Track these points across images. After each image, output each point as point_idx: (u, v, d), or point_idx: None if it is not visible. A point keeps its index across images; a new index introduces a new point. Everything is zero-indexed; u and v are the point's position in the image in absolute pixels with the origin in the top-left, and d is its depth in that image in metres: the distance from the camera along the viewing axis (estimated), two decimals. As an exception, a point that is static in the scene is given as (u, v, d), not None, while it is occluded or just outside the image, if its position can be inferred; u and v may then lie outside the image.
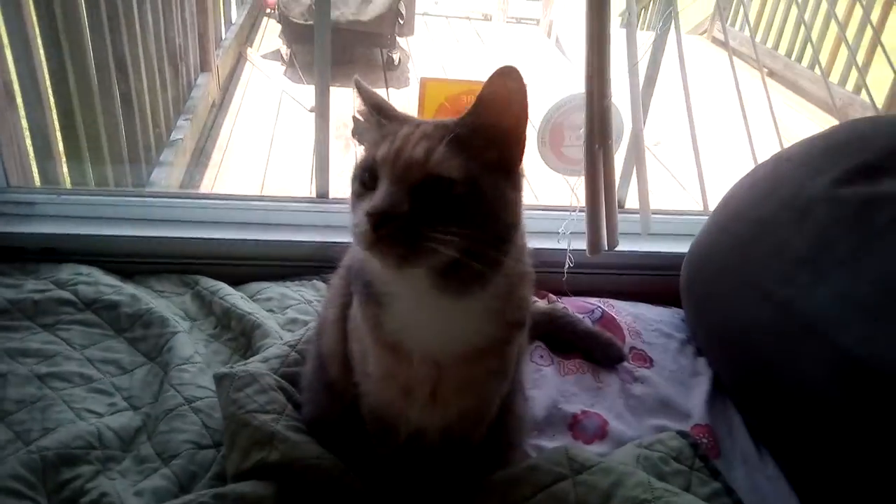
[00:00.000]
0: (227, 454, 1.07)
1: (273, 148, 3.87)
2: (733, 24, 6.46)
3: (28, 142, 2.02)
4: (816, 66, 5.27)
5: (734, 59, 1.88)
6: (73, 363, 1.26)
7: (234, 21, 4.97)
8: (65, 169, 2.27)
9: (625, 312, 1.55)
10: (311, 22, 4.46)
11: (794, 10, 5.53)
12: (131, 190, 2.31)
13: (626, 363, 1.41)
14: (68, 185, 2.24)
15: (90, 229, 1.56)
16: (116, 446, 1.13)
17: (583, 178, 1.41)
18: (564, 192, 1.58)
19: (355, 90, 0.86)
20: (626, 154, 1.71)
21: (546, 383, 1.33)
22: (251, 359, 1.24)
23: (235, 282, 1.54)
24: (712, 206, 1.56)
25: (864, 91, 4.82)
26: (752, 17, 6.32)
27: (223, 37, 4.59)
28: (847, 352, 1.07)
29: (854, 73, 5.01)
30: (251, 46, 5.17)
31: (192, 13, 3.76)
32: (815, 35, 5.32)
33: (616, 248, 1.43)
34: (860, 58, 4.67)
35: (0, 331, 1.29)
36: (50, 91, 2.18)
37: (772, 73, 5.83)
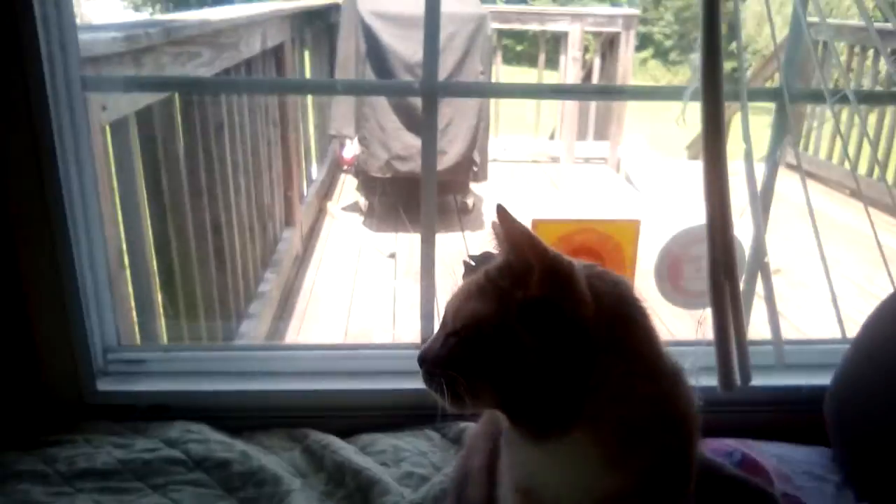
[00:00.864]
0: None
1: (354, 295, 3.93)
2: (806, 149, 6.43)
3: (132, 301, 2.08)
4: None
5: (815, 183, 1.82)
6: (186, 527, 1.19)
7: (314, 178, 5.23)
8: (163, 326, 2.31)
9: (767, 454, 1.40)
10: (388, 175, 4.69)
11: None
12: (234, 344, 2.33)
13: (781, 513, 1.25)
14: (166, 341, 2.27)
15: (197, 385, 1.54)
16: None
17: (707, 310, 1.34)
18: (689, 323, 1.50)
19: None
20: (745, 283, 1.63)
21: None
22: (376, 520, 1.15)
23: (345, 434, 1.47)
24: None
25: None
26: (825, 142, 6.30)
27: (305, 193, 4.81)
28: None
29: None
30: (331, 200, 5.40)
31: (278, 174, 3.98)
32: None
33: (750, 383, 1.33)
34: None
35: (112, 493, 1.25)
36: (153, 254, 2.27)
37: (852, 194, 5.71)
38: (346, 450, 1.38)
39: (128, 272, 2.05)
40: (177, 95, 2.39)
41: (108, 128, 1.83)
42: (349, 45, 4.69)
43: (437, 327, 0.86)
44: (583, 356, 0.74)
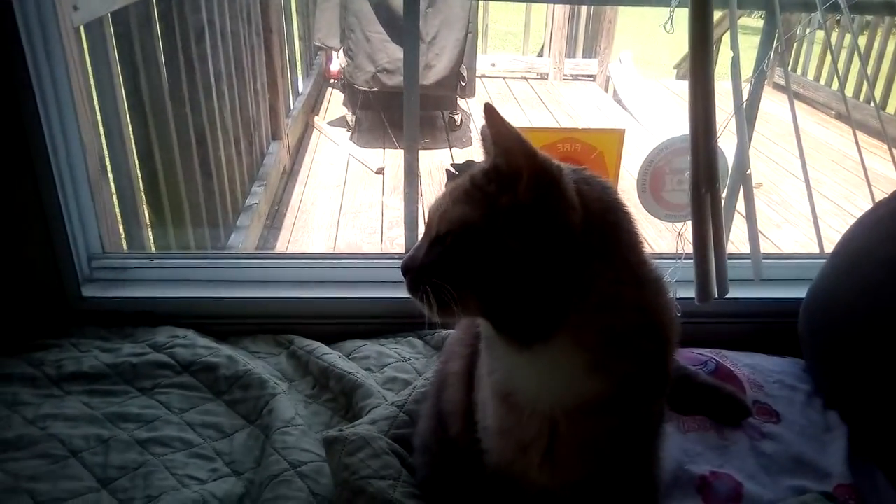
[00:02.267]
0: (341, 523, 1.00)
1: (342, 209, 3.92)
2: (794, 70, 6.36)
3: (117, 210, 2.07)
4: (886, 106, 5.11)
5: (802, 103, 1.80)
6: (173, 427, 1.22)
7: (300, 92, 5.13)
8: (150, 235, 2.31)
9: (741, 363, 1.44)
10: (375, 89, 4.60)
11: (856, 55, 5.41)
12: (222, 252, 2.33)
13: (751, 418, 1.30)
14: (153, 250, 2.28)
15: (183, 291, 1.55)
16: (222, 515, 1.07)
17: (688, 224, 1.35)
18: (668, 238, 1.51)
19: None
20: (726, 198, 1.63)
21: (667, 443, 1.23)
22: (358, 421, 1.18)
23: (330, 341, 1.50)
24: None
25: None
26: (814, 62, 6.22)
27: (291, 107, 4.73)
28: None
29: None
30: (318, 115, 5.31)
31: (263, 87, 3.90)
32: (882, 76, 5.19)
33: (727, 296, 1.36)
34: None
35: (100, 395, 1.27)
36: (137, 161, 2.24)
37: (838, 115, 5.69)
38: (330, 355, 1.41)
39: (111, 180, 2.03)
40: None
41: (82, 29, 1.77)
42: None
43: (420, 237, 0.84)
44: (570, 263, 0.73)
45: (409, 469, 1.07)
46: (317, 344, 1.46)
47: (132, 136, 2.21)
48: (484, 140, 0.83)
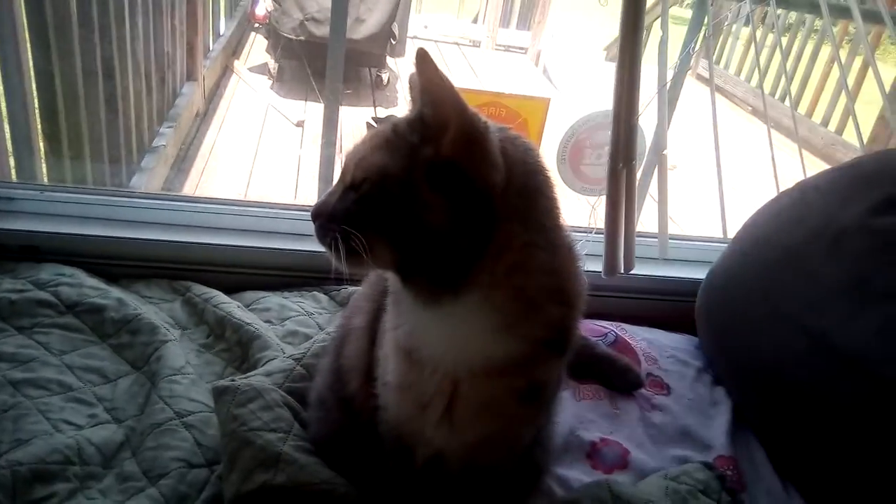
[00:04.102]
0: (225, 475, 0.96)
1: (257, 160, 3.79)
2: (717, 63, 6.57)
3: (7, 136, 1.92)
4: (799, 107, 5.36)
5: (721, 96, 1.86)
6: (51, 370, 1.14)
7: (221, 33, 4.90)
8: (43, 166, 2.16)
9: (639, 337, 1.49)
10: (301, 38, 4.44)
11: (777, 54, 5.63)
12: (120, 189, 2.20)
13: (643, 390, 1.34)
14: (46, 182, 2.13)
15: (74, 228, 1.45)
16: (97, 462, 1.02)
17: (601, 199, 1.36)
18: (581, 211, 1.53)
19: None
20: (641, 177, 1.66)
21: (561, 408, 1.25)
22: (253, 372, 1.14)
23: (230, 290, 1.44)
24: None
25: (845, 132, 4.93)
26: (736, 57, 6.44)
27: (211, 48, 4.52)
28: (893, 384, 1.02)
29: (836, 115, 5.11)
30: (238, 59, 5.10)
31: (181, 22, 3.71)
32: (798, 77, 5.43)
33: (631, 272, 1.39)
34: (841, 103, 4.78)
35: (-29, 332, 1.18)
36: (34, 87, 2.08)
37: (754, 112, 5.93)
38: (229, 305, 1.36)
39: (2, 104, 1.88)
40: None
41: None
42: None
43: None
44: (486, 222, 0.72)
45: (301, 424, 1.04)
46: (215, 292, 1.40)
47: (30, 59, 2.05)
48: (412, 88, 0.80)
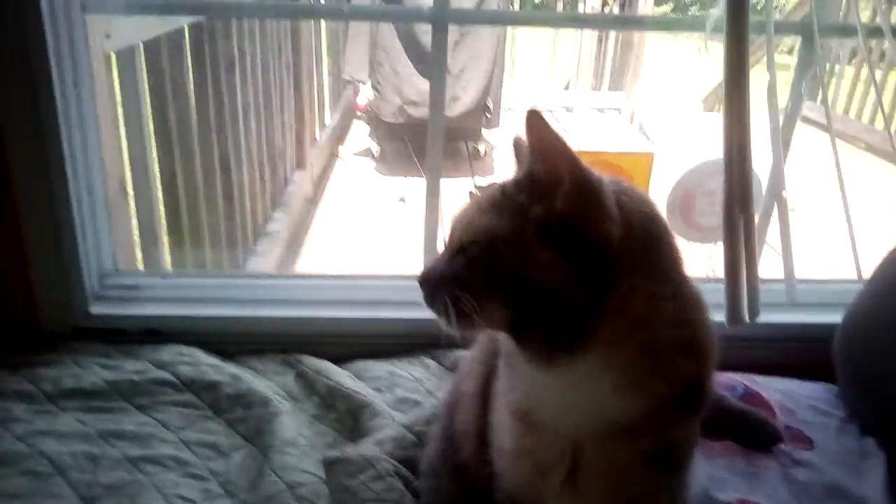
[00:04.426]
0: (337, 549, 0.93)
1: (363, 238, 3.90)
2: (814, 100, 6.27)
3: (135, 230, 2.06)
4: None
5: (829, 135, 1.74)
6: (168, 446, 1.16)
7: (327, 124, 5.16)
8: (167, 256, 2.29)
9: (771, 388, 1.36)
10: (401, 121, 4.61)
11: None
12: (232, 272, 2.30)
13: (782, 445, 1.21)
14: (170, 269, 2.26)
15: (192, 310, 1.50)
16: (212, 539, 1.01)
17: (719, 246, 1.29)
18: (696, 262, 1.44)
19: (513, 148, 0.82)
20: (759, 222, 1.56)
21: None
22: (363, 441, 1.12)
23: (340, 361, 1.44)
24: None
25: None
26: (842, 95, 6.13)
27: (318, 137, 4.75)
28: None
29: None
30: (343, 145, 5.34)
31: (290, 118, 3.93)
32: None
33: (758, 319, 1.29)
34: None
35: (95, 412, 1.22)
36: (160, 187, 2.25)
37: (869, 147, 5.59)
38: (339, 375, 1.35)
39: (132, 202, 2.02)
40: (186, 29, 2.32)
41: (113, 56, 1.78)
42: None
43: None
44: (604, 277, 0.68)
45: (414, 493, 1.00)
46: (325, 363, 1.40)
47: (156, 161, 2.21)
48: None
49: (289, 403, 1.30)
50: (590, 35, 6.35)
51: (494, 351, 0.86)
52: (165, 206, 2.31)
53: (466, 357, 1.03)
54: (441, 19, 1.49)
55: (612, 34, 6.42)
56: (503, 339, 0.78)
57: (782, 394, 1.35)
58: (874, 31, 1.36)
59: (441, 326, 0.75)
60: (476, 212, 0.75)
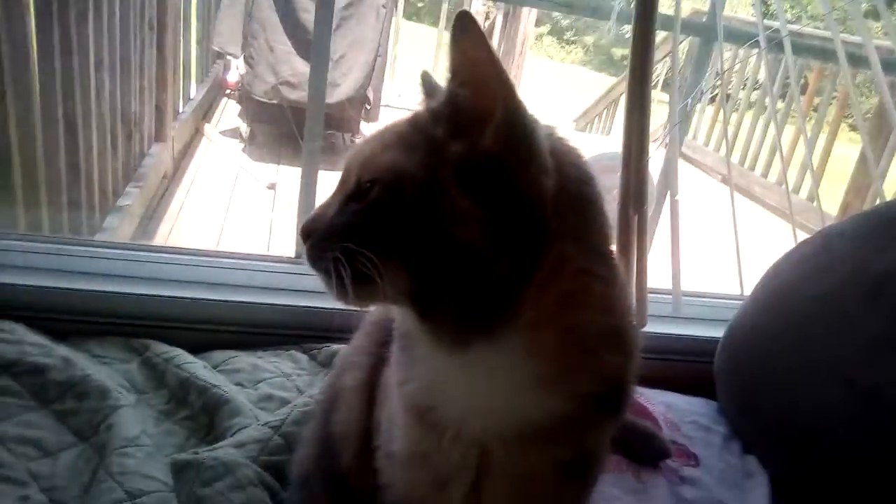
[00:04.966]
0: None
1: (227, 222, 3.65)
2: (687, 134, 6.66)
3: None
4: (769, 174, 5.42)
5: (692, 166, 1.80)
6: (-23, 442, 0.95)
7: (192, 97, 4.82)
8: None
9: (655, 401, 1.34)
10: (274, 101, 4.37)
11: (746, 121, 5.73)
12: (73, 238, 2.02)
13: (668, 461, 1.18)
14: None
15: (17, 279, 1.27)
16: (25, 559, 0.82)
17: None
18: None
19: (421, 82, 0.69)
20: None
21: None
22: (221, 443, 0.97)
23: (196, 350, 1.27)
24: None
25: (816, 201, 4.96)
26: (705, 129, 6.56)
27: (181, 110, 4.42)
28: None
29: (806, 182, 5.16)
30: (209, 123, 5.00)
31: (150, 83, 3.62)
32: (766, 147, 5.51)
33: (643, 329, 1.27)
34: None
35: None
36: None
37: (724, 180, 5.98)
38: (193, 365, 1.18)
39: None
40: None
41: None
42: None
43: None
44: (530, 241, 0.58)
45: (280, 505, 0.86)
46: (178, 351, 1.22)
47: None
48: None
49: (132, 396, 1.11)
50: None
51: (383, 340, 0.74)
52: (-6, 160, 2.00)
53: (347, 349, 0.91)
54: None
55: (495, 41, 6.50)
56: (402, 316, 0.67)
57: (665, 406, 1.34)
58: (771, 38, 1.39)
59: (329, 292, 0.61)
60: (378, 146, 0.63)
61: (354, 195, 0.62)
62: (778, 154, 4.91)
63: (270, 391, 1.18)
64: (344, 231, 0.60)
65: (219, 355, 1.27)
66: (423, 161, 0.59)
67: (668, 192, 1.38)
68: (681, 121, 1.35)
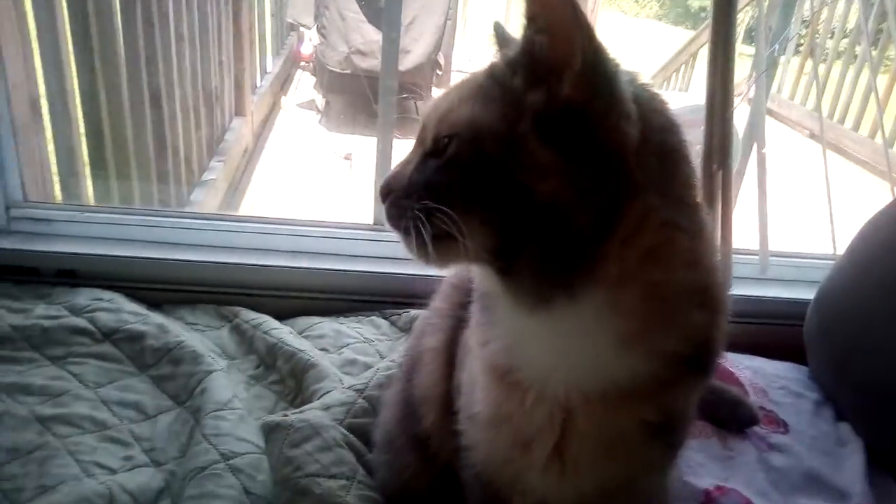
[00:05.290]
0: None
1: (306, 193, 3.72)
2: (770, 86, 6.34)
3: (53, 160, 1.85)
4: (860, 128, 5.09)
5: (777, 121, 1.70)
6: (85, 404, 1.02)
7: (269, 70, 4.90)
8: (90, 189, 2.08)
9: (742, 366, 1.30)
10: (347, 71, 4.40)
11: (833, 72, 5.38)
12: (165, 210, 2.11)
13: (756, 427, 1.14)
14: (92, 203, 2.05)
15: (114, 250, 1.34)
16: (132, 513, 0.87)
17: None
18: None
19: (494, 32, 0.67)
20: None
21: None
22: (308, 406, 0.99)
23: (281, 316, 1.31)
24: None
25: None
26: (790, 81, 6.22)
27: (258, 84, 4.50)
28: None
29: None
30: (286, 96, 5.09)
31: (228, 58, 3.69)
32: (857, 98, 5.17)
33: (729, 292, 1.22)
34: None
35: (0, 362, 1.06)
36: (80, 112, 2.03)
37: (812, 135, 5.68)
38: (280, 331, 1.22)
39: (48, 126, 1.81)
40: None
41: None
42: None
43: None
44: (614, 191, 0.55)
45: (366, 467, 0.88)
46: (265, 318, 1.26)
47: (76, 85, 1.99)
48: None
49: (224, 361, 1.16)
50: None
51: (462, 301, 0.74)
52: (87, 132, 2.09)
53: (426, 312, 0.91)
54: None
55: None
56: (482, 277, 0.65)
57: (752, 372, 1.29)
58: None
59: (408, 252, 0.61)
60: (456, 100, 0.61)
61: (432, 152, 0.61)
62: (874, 103, 4.62)
63: (354, 356, 1.20)
64: (423, 188, 0.59)
65: (303, 321, 1.30)
66: (501, 113, 0.57)
67: (755, 146, 1.32)
68: (767, 68, 1.27)
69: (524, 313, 0.60)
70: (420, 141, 0.63)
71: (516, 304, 0.60)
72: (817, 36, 5.25)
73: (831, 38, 5.37)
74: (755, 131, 1.29)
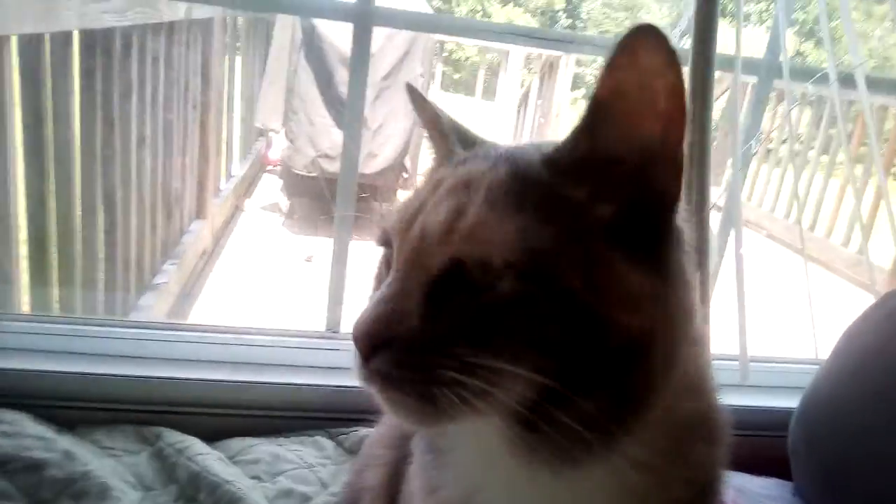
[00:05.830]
0: None
1: (263, 296, 3.59)
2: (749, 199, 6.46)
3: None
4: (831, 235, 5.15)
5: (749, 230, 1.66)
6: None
7: (234, 174, 4.88)
8: (25, 297, 1.94)
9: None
10: (314, 174, 4.39)
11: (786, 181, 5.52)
12: (82, 317, 1.96)
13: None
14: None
15: (20, 363, 1.19)
16: None
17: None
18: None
19: (409, 95, 0.57)
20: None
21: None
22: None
23: (211, 438, 1.16)
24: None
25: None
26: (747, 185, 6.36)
27: (222, 187, 4.46)
28: None
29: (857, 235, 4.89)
30: (249, 198, 5.04)
31: (192, 160, 3.66)
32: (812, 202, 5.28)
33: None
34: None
35: None
36: (25, 214, 1.94)
37: (770, 235, 5.77)
38: (207, 457, 1.07)
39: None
40: (77, 36, 2.05)
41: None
42: (285, 33, 4.42)
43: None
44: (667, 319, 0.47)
45: None
46: (192, 440, 1.12)
47: (23, 183, 1.91)
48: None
49: (136, 493, 1.00)
50: (510, 106, 6.43)
51: (403, 434, 0.63)
52: (31, 240, 1.99)
53: (372, 437, 0.78)
54: (364, 18, 1.33)
55: (531, 107, 6.50)
56: (490, 429, 0.48)
57: (736, 490, 1.17)
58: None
59: (402, 416, 0.47)
60: (483, 206, 0.46)
61: (463, 285, 0.45)
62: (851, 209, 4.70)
63: (290, 485, 1.06)
64: (461, 336, 0.44)
65: (237, 443, 1.16)
66: (567, 231, 0.45)
67: (735, 247, 1.25)
68: (744, 166, 1.22)
69: (540, 475, 0.47)
70: (414, 265, 0.48)
71: (530, 465, 0.47)
72: (770, 143, 5.43)
73: (784, 142, 5.57)
74: (733, 229, 1.24)
